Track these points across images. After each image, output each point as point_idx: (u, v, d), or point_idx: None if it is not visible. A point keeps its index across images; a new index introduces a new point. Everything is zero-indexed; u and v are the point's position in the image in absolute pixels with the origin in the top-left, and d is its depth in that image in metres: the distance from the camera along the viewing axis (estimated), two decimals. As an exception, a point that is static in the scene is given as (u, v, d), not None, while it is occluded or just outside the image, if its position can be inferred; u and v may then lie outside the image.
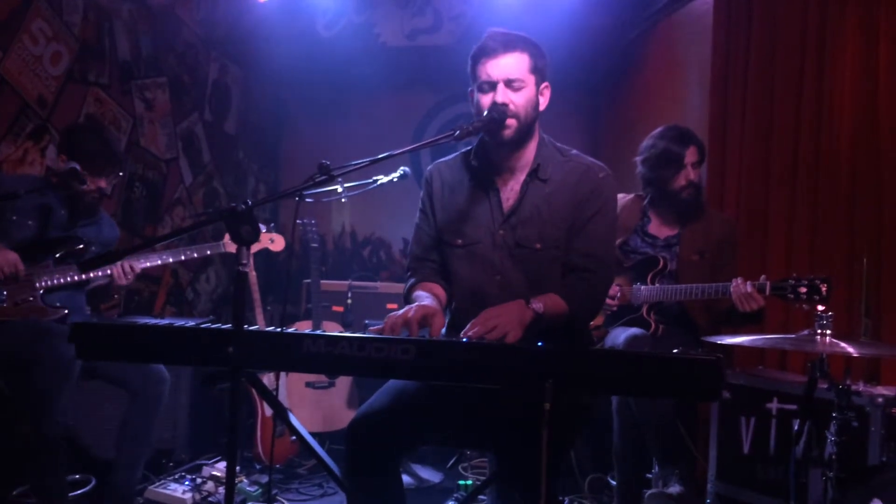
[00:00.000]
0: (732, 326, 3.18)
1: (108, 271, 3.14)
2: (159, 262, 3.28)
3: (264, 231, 3.53)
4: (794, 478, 2.48)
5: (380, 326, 1.98)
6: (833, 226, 3.45)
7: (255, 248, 3.39)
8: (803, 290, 2.84)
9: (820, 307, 2.43)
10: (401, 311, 2.01)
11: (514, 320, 1.97)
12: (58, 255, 3.10)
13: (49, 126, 3.82)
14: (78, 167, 3.08)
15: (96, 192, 3.18)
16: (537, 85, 2.24)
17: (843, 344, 2.22)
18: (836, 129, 3.45)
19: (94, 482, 3.33)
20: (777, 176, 3.70)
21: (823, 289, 2.81)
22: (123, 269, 3.11)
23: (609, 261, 2.32)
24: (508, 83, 2.18)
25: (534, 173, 2.29)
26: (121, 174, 3.30)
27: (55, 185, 3.14)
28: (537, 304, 2.07)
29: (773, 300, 3.00)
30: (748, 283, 2.96)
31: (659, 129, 3.41)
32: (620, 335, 3.07)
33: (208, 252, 3.36)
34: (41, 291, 3.04)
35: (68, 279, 3.08)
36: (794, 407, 2.90)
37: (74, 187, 3.10)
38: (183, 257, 3.33)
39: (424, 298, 2.19)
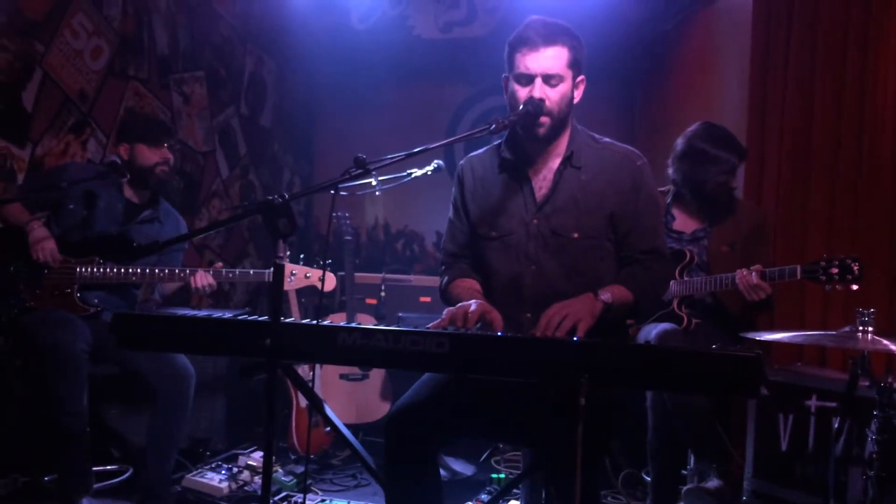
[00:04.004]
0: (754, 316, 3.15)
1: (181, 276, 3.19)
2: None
3: (315, 268, 3.42)
4: (834, 476, 2.45)
5: (438, 322, 2.03)
6: (875, 221, 3.37)
7: (302, 283, 3.35)
8: (835, 270, 2.74)
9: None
10: (462, 305, 2.05)
11: (585, 309, 1.99)
12: (101, 257, 3.14)
13: (90, 119, 3.89)
14: (117, 160, 3.21)
15: (163, 162, 3.27)
16: (573, 79, 2.21)
17: (885, 341, 2.19)
18: (880, 119, 3.36)
19: (130, 472, 3.39)
20: (817, 169, 3.62)
21: (855, 268, 2.70)
22: (200, 285, 3.17)
23: (666, 249, 2.35)
24: (546, 79, 2.15)
25: (567, 160, 2.26)
26: (175, 145, 3.42)
27: (112, 176, 3.23)
28: (605, 295, 2.08)
29: (809, 287, 2.93)
30: (753, 273, 2.91)
31: (695, 129, 3.24)
32: (652, 331, 3.04)
33: (251, 273, 3.31)
34: (76, 286, 3.09)
35: (108, 273, 3.11)
36: (833, 404, 2.85)
37: (118, 180, 3.20)
38: (225, 280, 3.39)
39: (472, 299, 2.16)
